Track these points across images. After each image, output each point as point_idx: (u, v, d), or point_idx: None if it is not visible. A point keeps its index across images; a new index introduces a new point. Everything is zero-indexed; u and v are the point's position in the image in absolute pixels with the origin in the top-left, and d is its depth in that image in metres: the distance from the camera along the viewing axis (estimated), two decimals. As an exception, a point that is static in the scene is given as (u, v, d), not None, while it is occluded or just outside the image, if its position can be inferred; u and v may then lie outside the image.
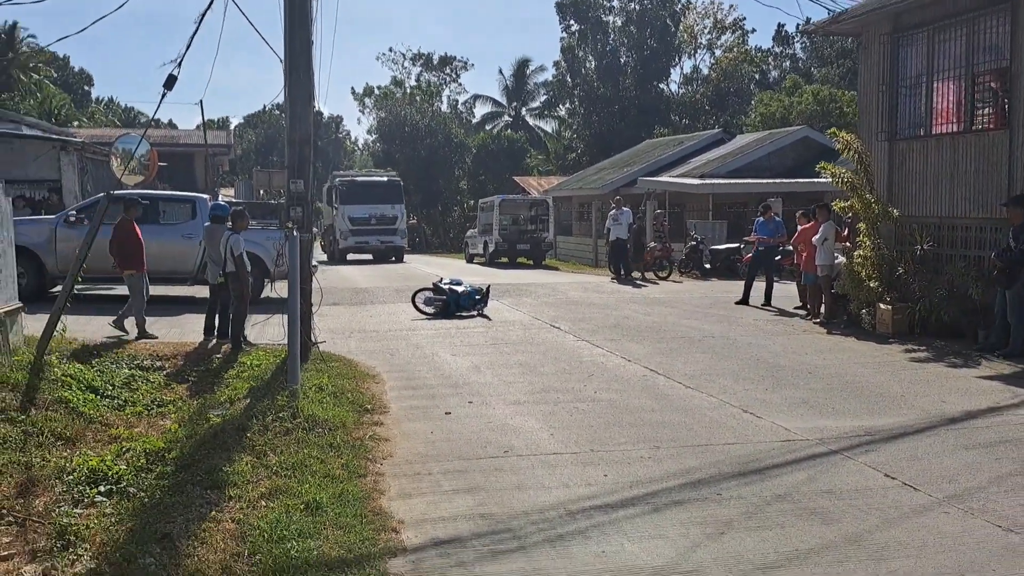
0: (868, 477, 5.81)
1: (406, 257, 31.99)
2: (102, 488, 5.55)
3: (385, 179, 34.19)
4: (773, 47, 64.03)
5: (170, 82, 8.95)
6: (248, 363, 9.42)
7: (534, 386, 8.65)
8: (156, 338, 10.97)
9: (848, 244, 13.27)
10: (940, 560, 4.50)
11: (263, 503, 5.18)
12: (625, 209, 21.10)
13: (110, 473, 5.72)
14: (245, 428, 6.40)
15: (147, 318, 11.19)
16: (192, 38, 8.84)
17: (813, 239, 13.13)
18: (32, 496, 5.44)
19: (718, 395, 8.23)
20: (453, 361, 10.04)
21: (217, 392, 8.20)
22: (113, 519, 5.03)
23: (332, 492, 5.29)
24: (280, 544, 4.52)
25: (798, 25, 63.13)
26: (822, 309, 13.38)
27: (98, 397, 7.82)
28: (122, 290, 15.37)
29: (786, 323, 13.30)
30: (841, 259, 13.11)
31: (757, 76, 61.44)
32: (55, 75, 67.61)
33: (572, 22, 55.10)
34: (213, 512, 5.03)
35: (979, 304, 10.78)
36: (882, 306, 11.92)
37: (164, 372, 9.40)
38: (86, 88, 76.23)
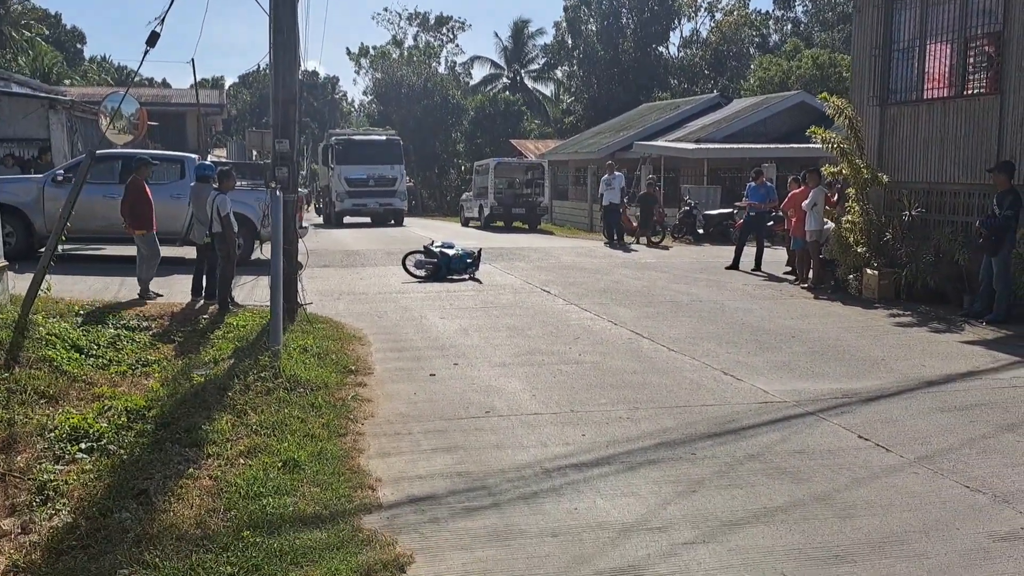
0: (841, 438, 5.88)
1: None
2: (83, 445, 5.61)
3: (384, 138, 32.45)
4: (773, 10, 63.33)
5: (152, 39, 8.82)
6: (234, 324, 9.44)
7: (520, 348, 8.69)
8: (161, 296, 10.99)
9: (837, 209, 13.27)
10: (905, 518, 4.58)
11: (241, 461, 5.24)
12: (617, 174, 21.02)
13: (91, 431, 5.78)
14: (226, 387, 6.44)
15: (128, 277, 11.21)
16: (174, -6, 8.71)
17: (803, 204, 13.12)
18: (14, 453, 5.50)
19: (701, 358, 8.29)
20: (441, 324, 10.07)
21: (202, 352, 8.23)
22: (92, 475, 5.09)
23: (311, 451, 5.35)
24: (256, 500, 4.58)
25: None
26: (810, 274, 13.42)
27: (82, 356, 7.85)
28: (113, 250, 15.46)
29: (774, 288, 13.34)
30: (830, 225, 13.11)
31: (757, 40, 60.78)
32: (47, 33, 66.67)
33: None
34: (191, 469, 5.09)
35: (965, 270, 10.82)
36: (869, 271, 11.95)
37: (150, 332, 9.42)
38: (79, 46, 75.35)
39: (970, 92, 11.05)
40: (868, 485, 5.04)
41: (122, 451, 5.49)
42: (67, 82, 50.83)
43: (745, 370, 7.82)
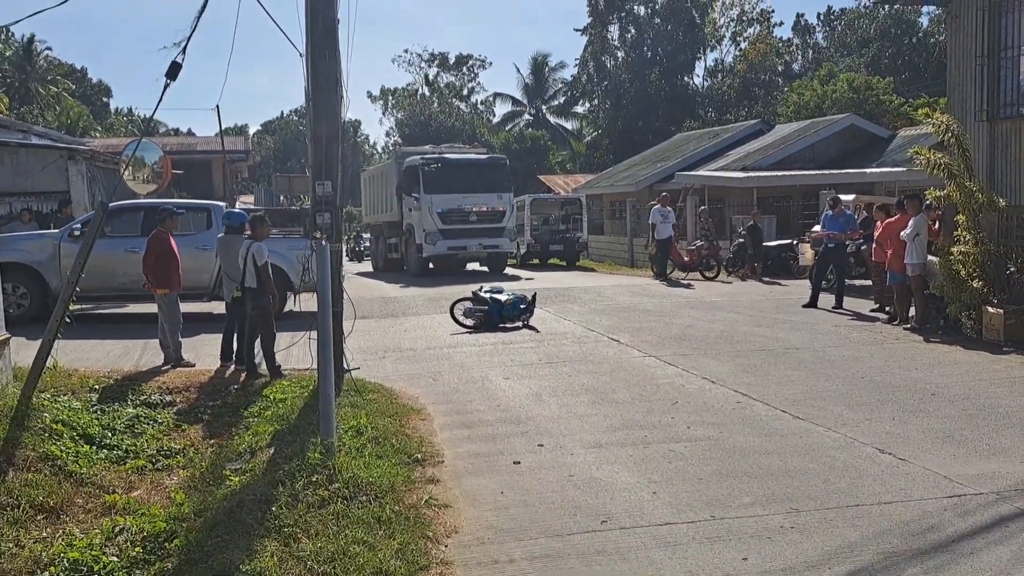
0: (1097, 556, 4.36)
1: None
2: (85, 592, 4.24)
3: (486, 157, 25.23)
4: (792, 37, 62.24)
5: (173, 71, 7.61)
6: (271, 396, 8.12)
7: (612, 420, 7.24)
8: (194, 366, 9.75)
9: (940, 239, 11.78)
10: None
11: (296, 618, 3.83)
12: (668, 208, 19.70)
13: (96, 568, 4.40)
14: (269, 500, 5.04)
15: (154, 340, 9.96)
16: (198, 18, 7.53)
17: (902, 234, 11.59)
18: (-7, 604, 4.15)
19: (838, 428, 6.79)
20: (508, 387, 8.66)
21: (235, 437, 6.88)
22: (94, 647, 3.71)
23: (387, 596, 3.93)
24: None
25: (819, 14, 61.43)
26: (911, 312, 11.88)
27: (93, 448, 6.54)
28: (135, 308, 14.29)
29: (871, 330, 11.79)
30: (932, 258, 11.60)
31: (781, 67, 59.61)
32: (73, 87, 67.19)
33: (604, 13, 53.36)
34: (228, 636, 3.70)
35: (1117, 306, 9.26)
36: (991, 309, 10.39)
37: (174, 409, 8.11)
38: (104, 100, 75.83)
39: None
40: None
41: (135, 603, 4.11)
42: (94, 134, 50.72)
43: (902, 445, 6.31)
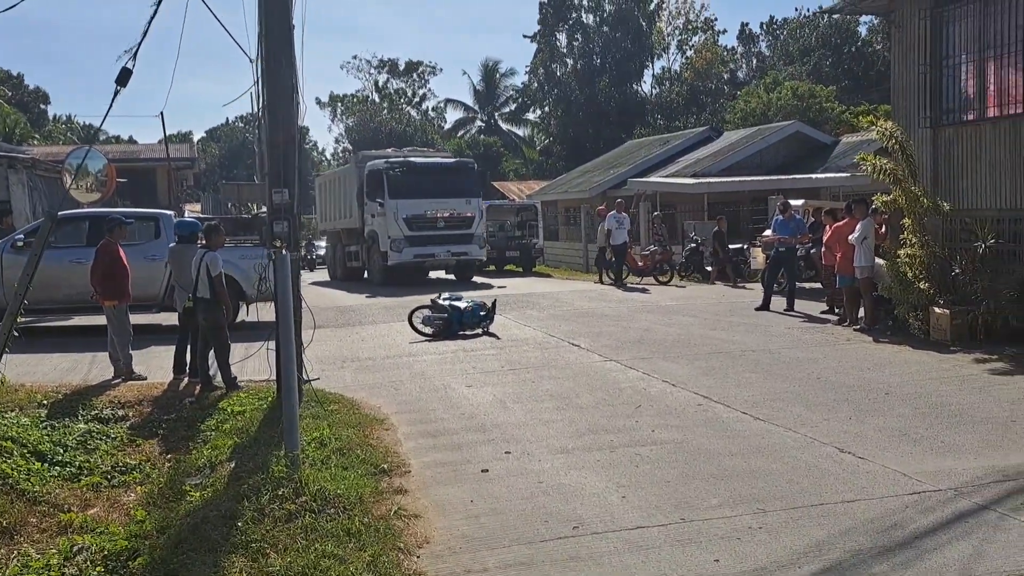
0: (1052, 547, 4.50)
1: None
2: (44, 616, 4.09)
3: (453, 161, 24.47)
4: (737, 46, 63.49)
5: (123, 77, 7.46)
6: (229, 409, 7.95)
7: (577, 425, 7.26)
8: (145, 379, 9.51)
9: (887, 242, 12.10)
10: None
11: (269, 635, 3.74)
12: (624, 214, 19.90)
13: (55, 591, 4.25)
14: (235, 515, 4.91)
15: (103, 353, 9.70)
16: (149, 23, 7.36)
17: (850, 238, 11.89)
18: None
19: (798, 428, 6.91)
20: (471, 394, 8.62)
21: (193, 452, 6.71)
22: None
23: (361, 610, 3.87)
24: None
25: (762, 24, 62.73)
26: (860, 314, 12.18)
27: (45, 466, 6.32)
28: (81, 320, 13.84)
29: (823, 331, 12.04)
30: (880, 260, 11.91)
31: (727, 75, 60.73)
32: (9, 94, 65.08)
33: (553, 21, 53.68)
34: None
35: (1057, 306, 9.62)
36: (937, 310, 10.70)
37: (127, 424, 7.89)
38: (43, 107, 73.52)
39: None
40: None
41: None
42: (32, 141, 49.15)
43: (860, 443, 6.45)
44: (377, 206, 21.20)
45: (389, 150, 28.26)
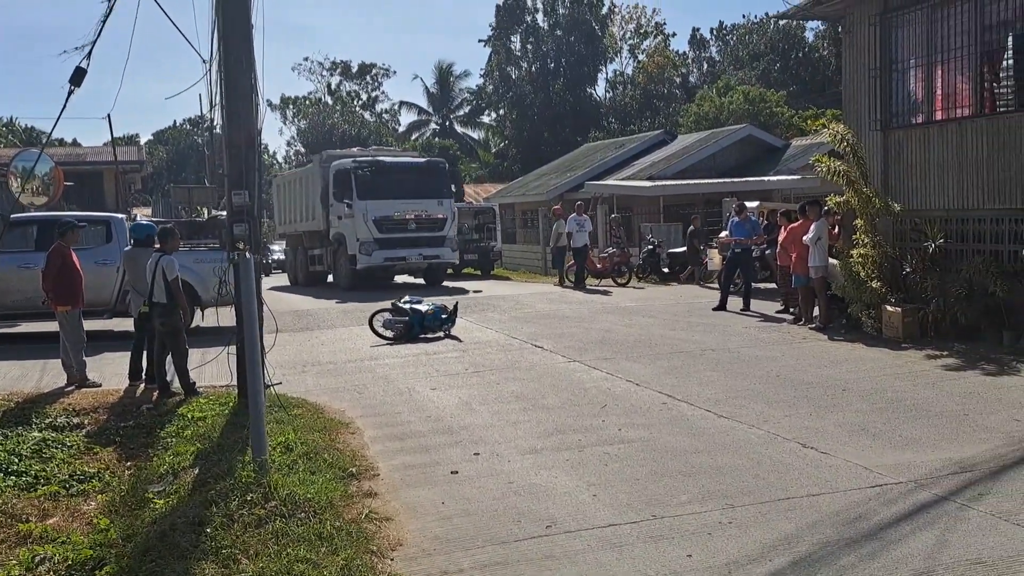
0: (1010, 535, 4.65)
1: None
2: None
3: (423, 160, 24.00)
4: (688, 51, 64.37)
5: (78, 76, 7.30)
6: (189, 415, 7.79)
7: (545, 426, 7.28)
8: (100, 386, 9.27)
9: (839, 242, 12.39)
10: None
11: (244, 642, 3.67)
12: (586, 216, 20.03)
13: (17, 604, 4.12)
14: (203, 521, 4.81)
15: (53, 360, 9.45)
16: (103, 22, 7.20)
17: (804, 238, 12.15)
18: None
19: (762, 426, 7.03)
20: (436, 397, 8.58)
21: (154, 459, 6.56)
22: None
23: (337, 613, 3.82)
24: None
25: (712, 29, 63.73)
26: (815, 313, 12.45)
27: (0, 476, 6.11)
28: (29, 327, 13.43)
29: (779, 330, 12.28)
30: (833, 260, 12.19)
31: (679, 80, 61.54)
32: (-55, 95, 62.94)
33: (507, 24, 53.80)
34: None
35: (1002, 303, 9.93)
36: (889, 308, 10.99)
37: (83, 432, 7.69)
38: (-17, 109, 71.15)
39: (994, 110, 10.26)
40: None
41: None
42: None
43: (822, 439, 6.58)
44: (345, 207, 20.50)
45: (355, 149, 27.32)
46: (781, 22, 50.97)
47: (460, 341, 12.10)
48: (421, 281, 22.66)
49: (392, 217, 20.33)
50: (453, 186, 21.92)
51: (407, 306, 12.63)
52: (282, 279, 28.13)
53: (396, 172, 21.27)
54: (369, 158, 22.25)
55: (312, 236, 23.70)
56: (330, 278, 23.26)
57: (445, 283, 22.41)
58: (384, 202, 20.26)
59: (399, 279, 23.31)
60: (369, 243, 20.11)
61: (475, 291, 19.83)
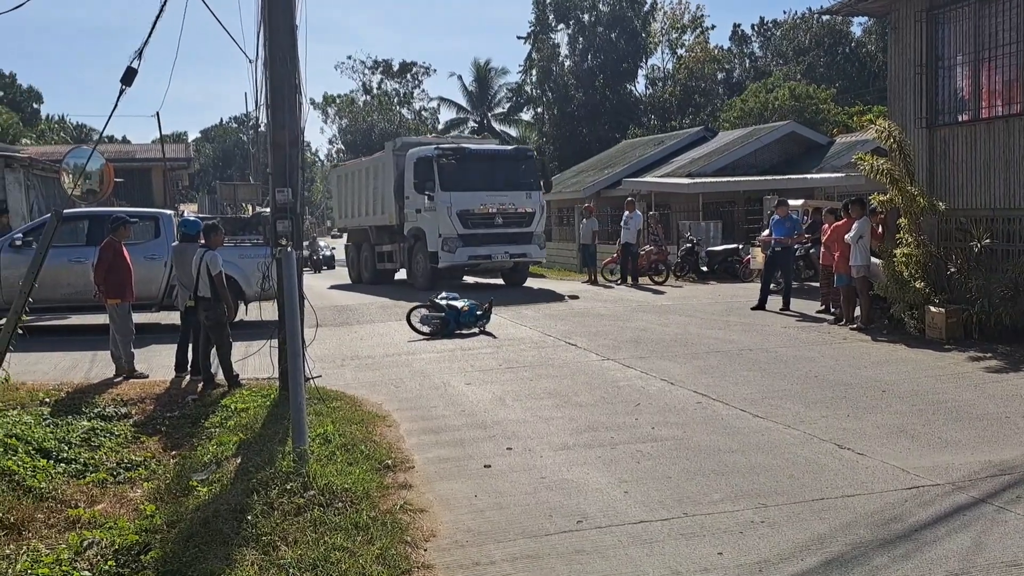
0: (1049, 539, 4.58)
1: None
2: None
3: (511, 148, 22.11)
4: (731, 46, 63.59)
5: (129, 76, 7.52)
6: (232, 406, 8.00)
7: (577, 423, 7.33)
8: (147, 377, 9.56)
9: (884, 242, 12.20)
10: None
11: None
12: (637, 213, 19.92)
13: (67, 584, 4.29)
14: (244, 509, 4.97)
15: (103, 351, 9.75)
16: (155, 23, 7.41)
17: (846, 237, 11.99)
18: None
19: (798, 426, 6.99)
20: (470, 392, 8.68)
21: (198, 448, 6.76)
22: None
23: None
24: None
25: (753, 25, 62.90)
26: (856, 313, 12.28)
27: (51, 462, 6.35)
28: (79, 320, 13.85)
29: (820, 330, 12.14)
30: (876, 259, 12.01)
31: (721, 76, 60.86)
32: (1, 94, 64.96)
33: (552, 21, 53.71)
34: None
35: (1050, 304, 9.72)
36: (933, 309, 10.81)
37: (131, 421, 7.93)
38: (35, 106, 73.23)
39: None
40: None
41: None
42: (24, 141, 49.02)
43: (859, 440, 6.53)
44: (425, 199, 18.34)
45: (430, 136, 25.68)
46: (824, 17, 50.23)
47: (494, 337, 12.19)
48: (499, 281, 20.59)
49: (476, 210, 18.33)
50: (541, 178, 19.81)
51: (443, 303, 12.76)
52: (334, 277, 27.43)
53: (482, 161, 19.18)
54: (453, 145, 20.19)
55: (381, 231, 21.76)
56: (398, 275, 21.79)
57: (528, 283, 20.40)
58: (469, 194, 18.24)
59: (468, 279, 21.29)
60: (453, 239, 18.14)
61: (570, 296, 17.68)
